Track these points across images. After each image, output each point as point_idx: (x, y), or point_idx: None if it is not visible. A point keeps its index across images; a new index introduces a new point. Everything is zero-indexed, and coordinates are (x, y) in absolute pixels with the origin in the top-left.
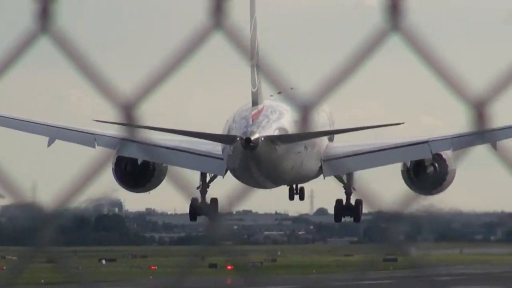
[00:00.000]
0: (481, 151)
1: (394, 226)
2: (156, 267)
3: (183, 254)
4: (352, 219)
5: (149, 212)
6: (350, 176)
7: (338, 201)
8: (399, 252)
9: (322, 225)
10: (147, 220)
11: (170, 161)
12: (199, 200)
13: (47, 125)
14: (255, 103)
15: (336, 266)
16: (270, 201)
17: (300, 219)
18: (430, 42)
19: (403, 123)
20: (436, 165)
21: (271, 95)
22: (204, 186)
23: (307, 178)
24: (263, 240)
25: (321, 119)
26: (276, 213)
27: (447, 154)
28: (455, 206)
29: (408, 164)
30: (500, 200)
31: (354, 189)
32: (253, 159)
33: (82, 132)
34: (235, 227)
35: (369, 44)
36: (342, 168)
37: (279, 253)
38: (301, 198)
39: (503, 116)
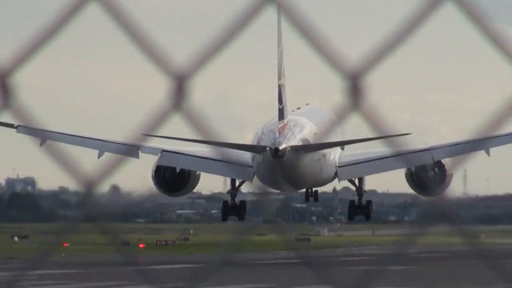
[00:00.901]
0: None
1: (307, 207)
2: (68, 244)
3: (96, 232)
4: (364, 217)
5: (62, 190)
6: (361, 180)
7: (351, 202)
8: (312, 232)
9: None
10: (60, 198)
11: (205, 169)
12: (230, 202)
13: (96, 139)
14: (281, 117)
15: (249, 245)
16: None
17: (214, 198)
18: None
19: (411, 133)
20: (436, 169)
21: (298, 108)
22: (234, 190)
23: (324, 182)
24: (175, 219)
25: (337, 132)
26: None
27: (445, 160)
28: (370, 186)
29: (412, 169)
30: None
31: (365, 191)
32: (280, 166)
33: (127, 144)
34: (148, 205)
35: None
36: (354, 173)
37: (191, 232)
38: (316, 199)
39: None
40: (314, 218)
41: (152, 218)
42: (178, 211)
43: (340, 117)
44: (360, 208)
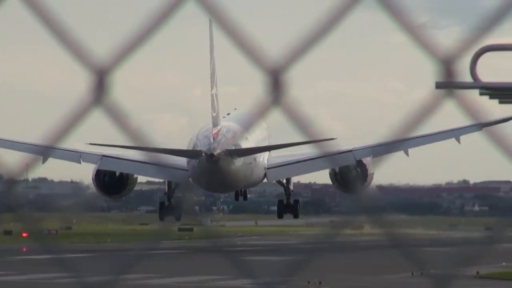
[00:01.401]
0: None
1: (190, 196)
2: None
3: None
4: (292, 215)
5: None
6: (288, 180)
7: (280, 201)
8: (194, 222)
9: None
10: None
11: (143, 173)
12: (166, 203)
13: (39, 146)
14: (215, 124)
15: (132, 235)
16: (66, 167)
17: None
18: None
19: (336, 138)
20: (358, 169)
21: (228, 113)
22: (170, 192)
23: (254, 183)
24: (58, 208)
25: (261, 135)
26: (72, 181)
27: (367, 160)
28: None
29: (336, 169)
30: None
31: (292, 191)
32: (215, 170)
33: (69, 150)
34: (31, 196)
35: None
36: (282, 174)
37: (74, 221)
38: (245, 199)
39: None
40: (197, 208)
41: (35, 207)
42: (61, 201)
43: (261, 113)
44: (289, 207)
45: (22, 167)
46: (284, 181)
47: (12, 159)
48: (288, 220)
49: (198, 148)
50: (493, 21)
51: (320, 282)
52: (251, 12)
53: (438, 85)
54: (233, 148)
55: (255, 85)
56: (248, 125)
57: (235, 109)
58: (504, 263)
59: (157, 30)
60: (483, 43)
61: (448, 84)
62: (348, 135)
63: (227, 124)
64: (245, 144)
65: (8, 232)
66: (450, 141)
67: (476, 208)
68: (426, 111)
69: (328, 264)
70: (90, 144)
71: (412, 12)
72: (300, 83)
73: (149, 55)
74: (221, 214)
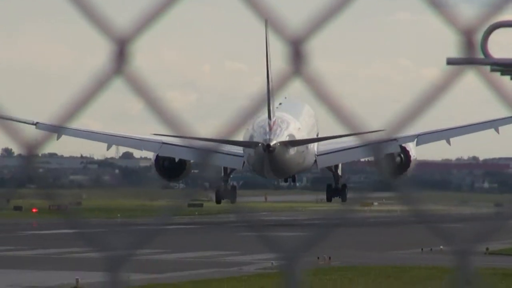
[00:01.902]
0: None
1: (202, 171)
2: None
3: None
4: (340, 199)
5: None
6: (337, 166)
7: (329, 185)
8: (204, 198)
9: (128, 169)
10: None
11: (200, 159)
12: (222, 187)
13: (106, 134)
14: (270, 117)
15: (141, 211)
16: (76, 143)
17: (106, 163)
18: None
19: (384, 130)
20: (402, 156)
21: (280, 103)
22: (226, 176)
23: (306, 169)
24: (68, 184)
25: (311, 122)
26: (81, 156)
27: (409, 147)
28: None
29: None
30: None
31: (340, 176)
32: (270, 159)
33: (131, 138)
34: (41, 170)
35: None
36: (331, 161)
37: (84, 196)
38: (293, 181)
39: None
40: (207, 184)
41: (44, 183)
42: (71, 177)
43: (283, 84)
44: (337, 191)
45: (39, 140)
46: (333, 167)
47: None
48: (297, 195)
49: (255, 139)
50: None
51: (330, 258)
52: None
53: (450, 61)
54: (287, 139)
55: (263, 62)
56: (298, 114)
57: (285, 97)
58: None
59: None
60: (498, 18)
61: (459, 60)
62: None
63: (280, 114)
64: (298, 134)
65: (18, 208)
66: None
67: (486, 185)
68: (442, 86)
69: (338, 240)
70: (154, 134)
71: None
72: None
73: (158, 33)
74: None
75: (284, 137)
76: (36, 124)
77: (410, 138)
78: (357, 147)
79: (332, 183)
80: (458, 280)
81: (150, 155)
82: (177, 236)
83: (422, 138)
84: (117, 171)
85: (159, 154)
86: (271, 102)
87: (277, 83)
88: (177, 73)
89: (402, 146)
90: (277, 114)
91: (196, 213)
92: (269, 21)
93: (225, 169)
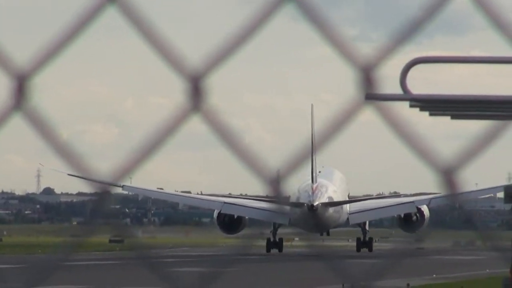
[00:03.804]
0: None
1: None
2: None
3: None
4: (367, 250)
5: None
6: (365, 223)
7: (358, 238)
8: (125, 234)
9: (49, 204)
10: None
11: (256, 216)
12: (272, 239)
13: (179, 195)
14: (313, 181)
15: (63, 247)
16: None
17: (27, 199)
18: None
19: (401, 194)
20: (418, 215)
21: (319, 171)
22: (275, 230)
23: (339, 226)
24: None
25: (344, 185)
26: (2, 191)
27: (424, 208)
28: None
29: (402, 215)
30: (224, 182)
31: (368, 230)
32: (313, 216)
33: (197, 198)
34: None
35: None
36: (361, 218)
37: (5, 232)
38: (328, 234)
39: None
40: (128, 220)
41: None
42: None
43: (180, 120)
44: (365, 243)
45: None
46: (362, 223)
47: None
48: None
49: (301, 200)
50: (411, 29)
51: None
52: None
53: (368, 96)
54: (327, 200)
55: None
56: (334, 179)
57: (323, 166)
58: (434, 275)
59: (80, 36)
60: (402, 51)
61: (378, 96)
62: (279, 146)
63: (320, 180)
64: (334, 196)
65: None
66: None
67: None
68: (346, 118)
69: (253, 274)
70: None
71: (337, 24)
72: (229, 95)
73: (77, 66)
74: (152, 226)
75: (325, 199)
76: (122, 186)
77: (424, 201)
78: (382, 207)
79: (361, 236)
80: None
81: (71, 190)
82: (99, 271)
83: (434, 201)
84: (38, 206)
85: (222, 211)
86: (315, 171)
87: (175, 120)
88: (101, 106)
89: (418, 207)
90: (319, 180)
91: (117, 248)
92: (169, 57)
93: (274, 224)
